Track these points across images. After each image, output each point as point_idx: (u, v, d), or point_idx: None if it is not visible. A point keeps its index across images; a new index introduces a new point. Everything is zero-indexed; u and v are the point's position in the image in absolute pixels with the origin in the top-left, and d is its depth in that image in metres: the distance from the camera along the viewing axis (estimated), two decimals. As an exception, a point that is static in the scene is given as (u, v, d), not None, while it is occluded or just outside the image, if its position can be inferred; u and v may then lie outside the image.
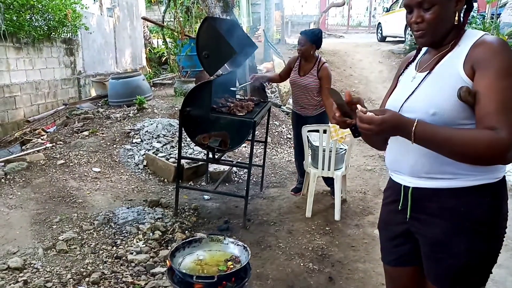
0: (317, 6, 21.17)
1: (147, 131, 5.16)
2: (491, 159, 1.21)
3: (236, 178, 4.78)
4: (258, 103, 3.97)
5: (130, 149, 4.93)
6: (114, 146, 5.02)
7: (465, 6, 1.39)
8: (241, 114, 3.44)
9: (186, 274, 1.81)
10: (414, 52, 1.55)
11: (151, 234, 3.33)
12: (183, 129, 3.49)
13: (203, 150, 4.68)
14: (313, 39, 3.85)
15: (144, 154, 4.77)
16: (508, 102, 1.20)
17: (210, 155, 3.73)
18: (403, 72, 1.53)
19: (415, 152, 1.36)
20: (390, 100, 1.49)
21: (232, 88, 4.08)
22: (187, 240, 2.12)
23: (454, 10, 1.34)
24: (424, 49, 1.50)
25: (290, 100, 7.86)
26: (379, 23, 14.44)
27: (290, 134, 6.42)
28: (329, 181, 4.17)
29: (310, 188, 3.81)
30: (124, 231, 3.33)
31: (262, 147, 5.55)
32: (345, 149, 3.86)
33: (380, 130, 1.22)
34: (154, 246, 3.19)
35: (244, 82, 6.31)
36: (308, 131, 3.81)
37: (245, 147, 5.56)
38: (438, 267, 1.41)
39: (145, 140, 5.04)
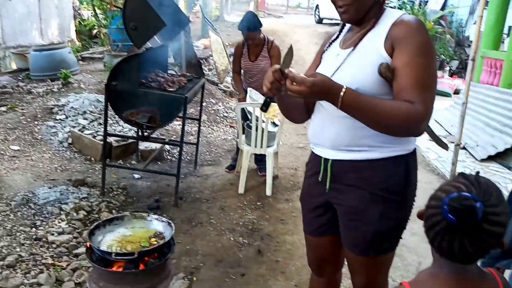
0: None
1: (72, 107, 4.85)
2: (408, 130, 1.28)
3: (169, 157, 4.68)
4: (191, 79, 3.87)
5: (54, 126, 4.62)
6: (36, 123, 4.67)
7: None
8: (172, 89, 3.33)
9: (105, 252, 1.74)
10: (337, 30, 1.58)
11: (75, 214, 3.17)
12: (109, 104, 3.32)
13: (134, 127, 4.50)
14: (256, 26, 3.80)
15: (69, 131, 4.49)
16: (424, 78, 1.27)
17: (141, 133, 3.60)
18: (327, 49, 1.56)
19: (336, 126, 1.41)
20: None
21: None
22: (107, 218, 2.03)
23: None
24: (347, 27, 1.53)
25: (228, 79, 7.78)
26: (317, 5, 14.67)
27: (226, 112, 6.38)
28: (258, 158, 4.22)
29: (243, 165, 3.83)
30: (45, 212, 3.14)
31: (198, 125, 5.48)
32: (278, 126, 3.91)
33: (311, 92, 1.22)
34: (78, 226, 3.04)
35: (179, 57, 6.16)
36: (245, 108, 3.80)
37: (179, 124, 5.43)
38: (354, 234, 1.49)
39: (70, 116, 4.74)
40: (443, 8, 10.37)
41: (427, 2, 10.94)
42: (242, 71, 4.08)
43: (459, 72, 9.47)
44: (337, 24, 12.24)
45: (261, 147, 3.79)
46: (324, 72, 1.44)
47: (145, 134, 3.56)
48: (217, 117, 6.13)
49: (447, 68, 9.42)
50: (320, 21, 14.19)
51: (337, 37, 1.54)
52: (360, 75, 1.33)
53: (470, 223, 0.87)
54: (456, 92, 8.29)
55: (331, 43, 1.55)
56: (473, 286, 0.96)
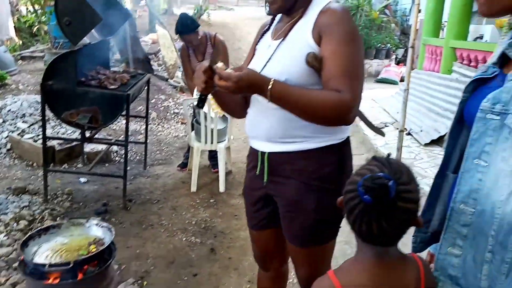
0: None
1: (10, 110, 4.55)
2: (337, 118, 1.27)
3: (117, 158, 4.50)
4: (134, 75, 3.73)
5: (-11, 131, 4.33)
6: (-32, 128, 4.35)
7: None
8: (113, 87, 3.19)
9: (38, 264, 1.63)
10: (269, 20, 1.55)
11: (15, 224, 2.97)
12: (46, 105, 3.13)
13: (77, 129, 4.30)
14: (191, 29, 3.69)
15: (7, 136, 4.22)
16: (351, 66, 1.26)
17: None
18: (259, 40, 1.53)
19: (269, 118, 1.39)
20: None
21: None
22: (43, 227, 1.91)
23: None
24: (278, 17, 1.51)
25: (178, 73, 7.62)
26: (267, -3, 14.66)
27: (177, 109, 6.25)
28: (211, 154, 4.17)
29: (194, 162, 3.75)
30: (-20, 224, 2.92)
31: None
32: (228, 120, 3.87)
33: (237, 87, 1.21)
34: (19, 237, 2.84)
35: (125, 53, 5.94)
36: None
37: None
38: (293, 226, 1.48)
39: (8, 120, 4.45)
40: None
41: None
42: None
43: (405, 60, 9.82)
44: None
45: (212, 143, 3.73)
46: (256, 64, 1.44)
47: (88, 135, 3.39)
48: (168, 113, 5.99)
49: (393, 57, 9.73)
50: (270, 12, 14.19)
51: (269, 27, 1.52)
52: (289, 65, 1.32)
53: (384, 201, 0.89)
54: (402, 79, 8.59)
55: (263, 34, 1.53)
56: (393, 268, 0.99)
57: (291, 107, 1.26)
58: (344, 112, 1.24)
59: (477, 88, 1.05)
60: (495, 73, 1.02)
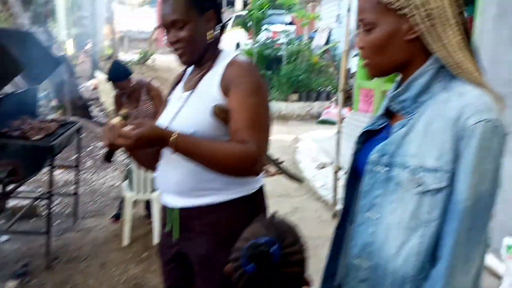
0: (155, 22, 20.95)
1: None
2: (242, 170, 1.28)
3: (45, 212, 4.22)
4: (64, 124, 3.58)
5: None
6: None
7: (219, 26, 1.43)
8: (37, 137, 3.03)
9: None
10: (182, 71, 1.56)
11: None
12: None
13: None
14: (122, 76, 3.64)
15: None
16: (256, 118, 1.28)
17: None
18: (172, 91, 1.53)
19: (179, 170, 1.36)
20: (159, 122, 1.46)
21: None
22: None
23: (207, 28, 1.37)
24: (190, 68, 1.51)
25: (119, 119, 7.44)
26: (213, 41, 14.98)
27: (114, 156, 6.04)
28: (147, 203, 4.02)
29: (126, 213, 3.59)
30: None
31: (82, 172, 5.09)
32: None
33: (138, 145, 1.18)
34: None
35: (62, 99, 5.73)
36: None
37: (60, 173, 5.00)
38: (207, 286, 1.41)
39: None
40: (327, 43, 11.24)
41: (313, 38, 11.81)
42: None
43: (346, 102, 10.25)
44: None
45: (144, 192, 3.60)
46: (166, 115, 1.43)
47: (9, 189, 3.16)
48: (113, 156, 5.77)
49: (334, 99, 10.14)
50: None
51: (181, 79, 1.52)
52: (197, 118, 1.32)
53: (268, 268, 0.86)
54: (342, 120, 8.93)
55: (175, 85, 1.53)
56: None
57: (197, 159, 1.25)
58: (249, 163, 1.25)
59: (368, 140, 1.08)
60: (383, 124, 1.05)
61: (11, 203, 3.93)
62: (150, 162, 1.53)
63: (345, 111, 9.19)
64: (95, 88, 8.51)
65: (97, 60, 8.86)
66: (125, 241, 3.56)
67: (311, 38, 11.65)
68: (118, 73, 3.65)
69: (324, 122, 8.81)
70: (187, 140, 1.23)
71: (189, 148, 1.23)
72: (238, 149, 1.24)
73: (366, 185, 0.99)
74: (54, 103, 6.74)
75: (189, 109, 1.36)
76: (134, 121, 1.20)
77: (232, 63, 1.34)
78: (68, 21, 7.84)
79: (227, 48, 1.46)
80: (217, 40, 1.42)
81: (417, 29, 0.91)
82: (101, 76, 7.37)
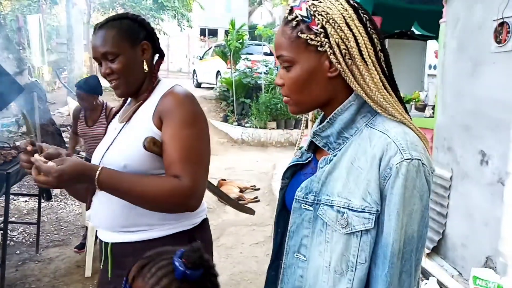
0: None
1: None
2: (175, 206, 1.21)
3: (8, 241, 4.03)
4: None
5: None
6: None
7: (156, 55, 1.41)
8: (-7, 165, 2.92)
9: None
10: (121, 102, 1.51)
11: None
12: None
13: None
14: (90, 88, 3.61)
15: None
16: (189, 151, 1.22)
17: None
18: (111, 121, 1.48)
19: (112, 205, 1.27)
20: (95, 152, 1.41)
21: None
22: None
23: (142, 59, 1.34)
24: (129, 99, 1.47)
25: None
26: (194, 70, 15.14)
27: (87, 183, 5.90)
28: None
29: (88, 243, 3.44)
30: None
31: (44, 201, 4.91)
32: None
33: (59, 182, 1.10)
34: None
35: (33, 125, 5.64)
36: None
37: (26, 201, 4.82)
38: None
39: None
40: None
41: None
42: (79, 133, 3.83)
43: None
44: (213, 88, 12.68)
45: (109, 221, 3.47)
46: (101, 146, 1.37)
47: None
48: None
49: (309, 127, 10.24)
50: (198, 85, 14.58)
51: (119, 110, 1.47)
52: (129, 150, 1.26)
53: (204, 268, 0.86)
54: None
55: (114, 116, 1.47)
56: None
57: (125, 196, 1.18)
58: (181, 198, 1.18)
59: (295, 174, 1.03)
60: (309, 159, 1.01)
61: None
62: (82, 196, 1.47)
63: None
64: (69, 115, 8.39)
65: (72, 86, 8.77)
66: (88, 272, 3.40)
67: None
68: (90, 86, 3.61)
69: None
70: (112, 175, 1.17)
71: (114, 184, 1.16)
72: (168, 185, 1.18)
73: (293, 224, 0.93)
74: (24, 129, 6.59)
75: (122, 141, 1.31)
76: (52, 168, 1.10)
77: (167, 94, 1.30)
78: (43, 48, 7.77)
79: (165, 79, 1.42)
80: (154, 70, 1.38)
81: (336, 67, 0.88)
82: (73, 103, 7.27)
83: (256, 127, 9.12)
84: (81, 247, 3.88)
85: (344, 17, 0.87)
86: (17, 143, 4.24)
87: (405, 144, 0.84)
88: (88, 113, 3.72)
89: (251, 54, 11.76)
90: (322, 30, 0.87)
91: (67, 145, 6.96)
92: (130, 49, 1.30)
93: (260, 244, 4.06)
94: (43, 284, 3.27)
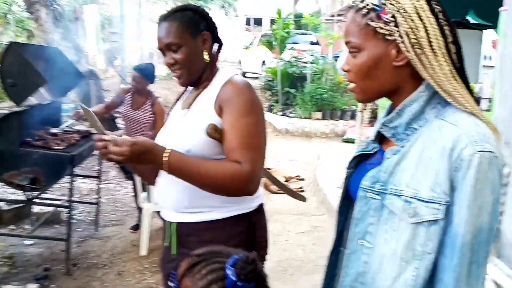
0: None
1: (-44, 169, 4.39)
2: (236, 190, 1.28)
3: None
4: (86, 135, 3.70)
5: None
6: None
7: (216, 45, 1.47)
8: (59, 147, 3.14)
9: None
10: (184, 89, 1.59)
11: None
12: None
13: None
14: (146, 74, 3.80)
15: (-51, 196, 4.03)
16: (249, 138, 1.29)
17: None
18: (172, 108, 1.56)
19: (175, 187, 1.37)
20: (158, 137, 1.49)
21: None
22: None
23: (202, 49, 1.40)
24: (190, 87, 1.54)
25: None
26: (240, 60, 15.25)
27: (138, 167, 6.18)
28: (164, 215, 4.06)
29: (144, 224, 3.64)
30: None
31: (106, 182, 5.21)
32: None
33: (132, 151, 1.19)
34: None
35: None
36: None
37: (85, 182, 5.14)
38: None
39: (-47, 179, 4.28)
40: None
41: (338, 57, 11.82)
42: (122, 115, 4.02)
43: (372, 120, 10.13)
44: (257, 78, 12.74)
45: (163, 204, 3.64)
46: (164, 132, 1.47)
47: (30, 196, 3.27)
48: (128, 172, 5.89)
49: (358, 117, 10.04)
50: (243, 75, 14.70)
51: (181, 96, 1.55)
52: (192, 136, 1.33)
53: (257, 283, 0.81)
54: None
55: (176, 103, 1.56)
56: None
57: (189, 178, 1.26)
58: (242, 183, 1.25)
59: (360, 163, 1.06)
60: (375, 149, 1.03)
61: (36, 209, 4.07)
62: (149, 176, 1.56)
63: (370, 130, 9.12)
64: (122, 102, 8.77)
65: (125, 74, 9.13)
66: (143, 251, 3.61)
67: (336, 58, 11.66)
68: (148, 71, 3.80)
69: (349, 140, 8.73)
70: (180, 158, 1.25)
71: (181, 167, 1.24)
72: (230, 169, 1.25)
73: (358, 212, 0.96)
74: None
75: (184, 127, 1.38)
76: (127, 140, 1.20)
77: (227, 83, 1.36)
78: (98, 37, 8.15)
79: (224, 68, 1.49)
80: (214, 59, 1.45)
81: (405, 56, 0.89)
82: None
83: (301, 117, 9.09)
84: (136, 227, 4.10)
85: (415, 7, 0.88)
86: (78, 128, 4.51)
87: (477, 136, 0.85)
88: (135, 96, 3.89)
89: (297, 43, 11.69)
90: (392, 19, 0.89)
91: (120, 130, 7.32)
92: (192, 40, 1.37)
93: (306, 233, 4.11)
94: (102, 260, 3.51)
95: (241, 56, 15.10)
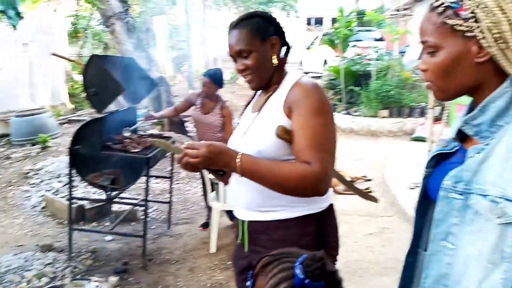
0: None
1: (47, 170, 4.88)
2: (306, 190, 1.29)
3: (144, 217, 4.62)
4: (160, 139, 3.92)
5: (27, 190, 4.63)
6: (9, 188, 4.69)
7: (284, 49, 1.49)
8: (136, 150, 3.37)
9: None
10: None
11: (37, 281, 3.07)
12: (74, 168, 3.34)
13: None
14: (216, 79, 3.95)
15: (42, 195, 4.48)
16: (318, 138, 1.30)
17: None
18: (243, 112, 1.62)
19: (246, 187, 1.42)
20: (230, 141, 1.56)
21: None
22: (47, 286, 1.98)
23: (272, 53, 1.43)
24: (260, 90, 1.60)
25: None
26: (301, 60, 15.21)
27: (206, 168, 6.41)
28: (231, 214, 4.17)
29: (213, 223, 3.78)
30: (4, 281, 3.05)
31: (176, 182, 5.47)
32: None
33: (208, 154, 1.26)
34: (39, 295, 2.95)
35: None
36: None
37: (157, 183, 5.44)
38: None
39: (45, 180, 4.76)
40: (420, 57, 10.71)
41: (404, 52, 11.36)
42: (192, 118, 4.19)
43: (441, 117, 9.60)
44: (319, 77, 12.61)
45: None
46: (236, 136, 1.53)
47: (111, 195, 3.54)
48: (196, 173, 6.14)
49: (429, 115, 9.56)
50: (305, 74, 14.65)
51: (251, 100, 1.60)
52: (262, 138, 1.37)
53: (326, 281, 0.80)
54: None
55: (246, 106, 1.61)
56: None
57: (260, 180, 1.30)
58: (311, 183, 1.26)
59: (439, 163, 1.02)
60: (456, 148, 1.00)
61: (115, 207, 4.39)
62: (223, 177, 1.61)
63: (441, 127, 8.64)
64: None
65: (192, 80, 9.51)
66: (212, 248, 3.75)
67: (402, 53, 11.21)
68: (217, 77, 3.96)
69: (418, 139, 8.36)
70: (251, 161, 1.29)
71: (253, 169, 1.28)
72: (300, 170, 1.26)
73: (440, 213, 0.93)
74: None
75: (255, 130, 1.43)
76: (203, 142, 1.28)
77: (295, 85, 1.38)
78: (166, 46, 8.60)
79: (292, 70, 1.51)
80: (282, 63, 1.47)
81: (487, 51, 0.85)
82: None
83: (366, 116, 8.86)
84: (206, 225, 4.27)
85: (496, 0, 0.85)
86: (151, 131, 4.79)
87: None
88: (205, 101, 4.04)
89: (360, 40, 11.41)
90: (471, 15, 0.85)
91: (189, 134, 7.64)
92: (261, 45, 1.41)
93: (374, 235, 4.01)
94: (175, 256, 3.70)
95: (303, 57, 15.05)
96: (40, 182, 4.75)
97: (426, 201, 1.04)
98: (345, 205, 4.75)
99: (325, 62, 12.21)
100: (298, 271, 0.79)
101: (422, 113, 9.48)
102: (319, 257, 0.81)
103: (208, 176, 4.01)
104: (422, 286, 0.97)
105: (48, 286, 2.06)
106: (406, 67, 9.72)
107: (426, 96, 9.59)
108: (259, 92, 1.57)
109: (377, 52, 10.11)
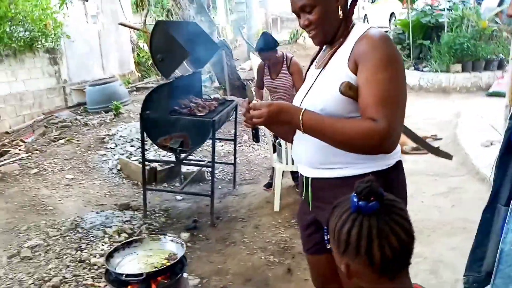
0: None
1: (121, 135, 5.22)
2: (371, 148, 1.26)
3: (211, 177, 4.82)
4: (223, 102, 4.01)
5: (104, 154, 5.00)
6: (89, 152, 5.08)
7: (349, 0, 1.42)
8: (201, 114, 3.49)
9: (117, 273, 1.87)
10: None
11: (117, 237, 3.39)
12: (145, 132, 3.55)
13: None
14: (270, 47, 3.90)
15: (118, 159, 4.83)
16: (385, 94, 1.24)
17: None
18: (308, 68, 1.60)
19: (309, 144, 1.41)
20: (295, 98, 1.56)
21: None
22: (127, 240, 2.17)
23: (337, 6, 1.37)
24: (324, 46, 1.54)
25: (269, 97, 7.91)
26: (365, 14, 14.45)
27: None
28: (295, 175, 4.21)
29: (276, 183, 3.86)
30: (90, 236, 3.38)
31: (239, 145, 5.61)
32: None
33: (269, 113, 1.29)
34: (120, 248, 3.24)
35: (223, 80, 6.38)
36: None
37: (222, 145, 5.61)
38: None
39: (119, 144, 5.10)
40: (501, 4, 9.69)
41: (482, 1, 10.32)
42: (266, 88, 4.17)
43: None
44: (386, 32, 11.94)
45: (293, 164, 3.79)
46: (301, 92, 1.51)
47: (180, 157, 3.72)
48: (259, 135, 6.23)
49: (509, 67, 8.74)
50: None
51: (316, 56, 1.56)
52: (326, 95, 1.34)
53: (379, 201, 0.88)
54: (519, 92, 7.65)
55: (311, 63, 1.58)
56: None
57: (323, 137, 1.29)
58: (378, 141, 1.22)
59: None
60: None
61: (184, 169, 4.62)
62: (286, 135, 1.63)
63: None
64: (251, 69, 9.15)
65: (252, 42, 9.47)
66: (276, 207, 3.85)
67: (479, 2, 10.20)
68: (266, 43, 3.91)
69: (495, 94, 7.72)
70: (314, 117, 1.28)
71: (316, 125, 1.27)
72: (365, 127, 1.22)
73: None
74: (216, 84, 7.55)
75: (319, 86, 1.40)
76: (264, 102, 1.29)
77: (361, 38, 1.31)
78: (226, 9, 8.57)
79: (359, 22, 1.43)
80: (349, 15, 1.40)
81: None
82: (254, 58, 7.88)
83: (437, 71, 8.30)
84: (269, 186, 4.37)
85: None
86: (215, 95, 4.90)
87: None
88: (271, 67, 4.03)
89: (431, -11, 10.52)
90: None
91: (251, 97, 7.72)
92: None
93: (444, 195, 3.86)
94: (241, 214, 3.86)
95: (367, 11, 14.27)
96: (115, 146, 5.10)
97: (508, 154, 1.00)
98: (410, 165, 4.59)
99: (392, 15, 11.49)
100: (352, 198, 0.89)
101: (500, 66, 8.69)
102: (368, 179, 0.90)
103: (271, 138, 4.06)
104: (504, 240, 0.94)
105: (128, 239, 2.25)
106: (484, 16, 8.86)
107: (505, 47, 8.74)
108: (324, 47, 1.53)
109: (450, 1, 9.30)
